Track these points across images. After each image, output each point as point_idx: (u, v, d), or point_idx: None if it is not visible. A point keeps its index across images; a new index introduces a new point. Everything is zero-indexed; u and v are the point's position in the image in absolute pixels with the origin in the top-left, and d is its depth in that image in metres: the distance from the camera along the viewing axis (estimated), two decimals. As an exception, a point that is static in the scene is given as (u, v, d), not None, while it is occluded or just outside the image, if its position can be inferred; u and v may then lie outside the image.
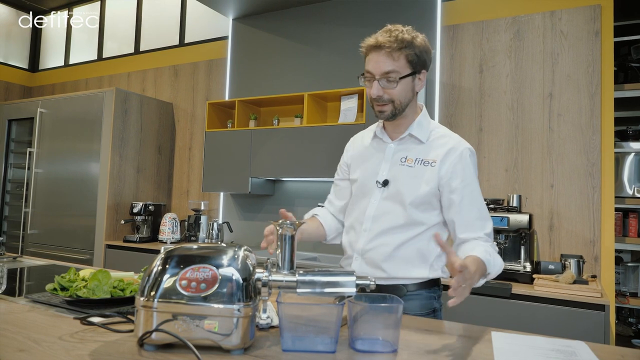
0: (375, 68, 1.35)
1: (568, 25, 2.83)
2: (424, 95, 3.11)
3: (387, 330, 1.00)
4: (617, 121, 2.99)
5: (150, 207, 3.77)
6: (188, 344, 0.85)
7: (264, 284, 0.97)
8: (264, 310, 0.98)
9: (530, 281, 2.46)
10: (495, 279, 2.47)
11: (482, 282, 1.28)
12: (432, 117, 3.20)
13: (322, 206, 1.69)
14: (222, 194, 3.91)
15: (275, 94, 3.44)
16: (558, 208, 2.80)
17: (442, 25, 3.17)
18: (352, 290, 0.97)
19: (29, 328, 1.03)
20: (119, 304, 1.20)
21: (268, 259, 1.02)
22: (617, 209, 3.02)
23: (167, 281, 0.92)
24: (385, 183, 1.42)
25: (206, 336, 0.91)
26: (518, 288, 2.32)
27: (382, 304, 1.01)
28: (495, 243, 1.41)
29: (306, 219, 1.57)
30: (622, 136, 3.26)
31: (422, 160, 1.40)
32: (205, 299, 0.91)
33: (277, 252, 1.01)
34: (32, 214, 4.14)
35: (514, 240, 2.65)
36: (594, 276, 2.55)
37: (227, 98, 3.86)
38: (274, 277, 0.98)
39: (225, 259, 0.95)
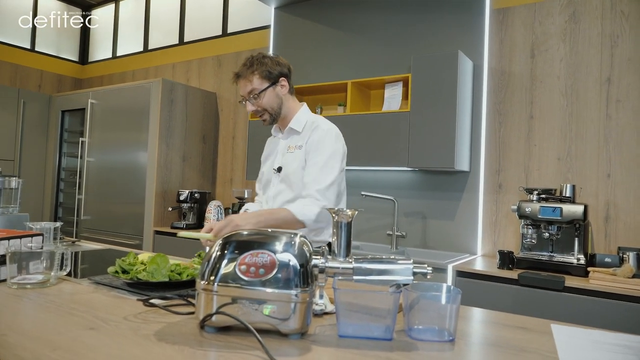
0: (242, 91, 1.77)
1: (629, 5, 2.67)
2: (472, 81, 3.02)
3: (444, 319, 0.98)
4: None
5: (195, 195, 3.86)
6: (249, 327, 0.86)
7: (321, 270, 0.97)
8: (321, 296, 0.98)
9: (585, 274, 2.37)
10: (550, 271, 2.41)
11: (304, 230, 1.66)
12: (480, 105, 3.13)
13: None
14: (264, 182, 3.95)
15: (318, 82, 3.43)
16: (615, 199, 2.67)
17: (491, 8, 3.06)
18: (409, 278, 0.95)
19: (95, 308, 1.08)
20: (177, 287, 1.24)
21: (323, 246, 1.02)
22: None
23: (226, 266, 0.94)
24: (279, 169, 1.82)
25: (265, 320, 0.92)
26: (571, 281, 2.23)
27: (440, 293, 1.00)
28: (323, 200, 1.68)
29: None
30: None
31: (298, 146, 1.80)
32: (264, 283, 0.92)
33: (333, 239, 1.01)
34: (85, 201, 4.32)
35: (567, 232, 2.55)
36: (653, 270, 2.42)
37: (270, 87, 3.88)
38: (331, 263, 0.98)
39: (282, 245, 0.96)
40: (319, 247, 1.03)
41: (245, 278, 0.93)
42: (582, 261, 2.45)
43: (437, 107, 2.84)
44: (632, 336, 1.09)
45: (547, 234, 2.50)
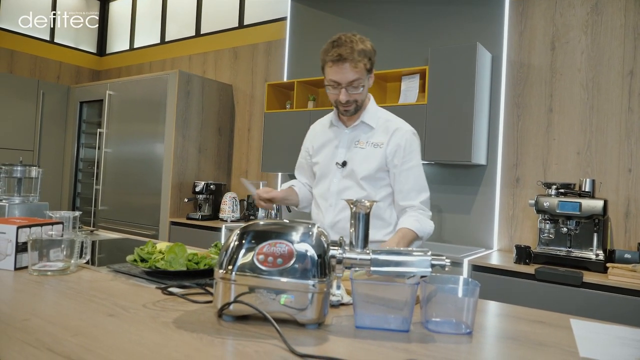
0: (342, 78, 1.55)
1: (655, -5, 2.59)
2: (490, 74, 2.98)
3: (462, 312, 0.97)
4: None
5: (211, 187, 3.89)
6: (267, 315, 0.87)
7: (339, 261, 0.97)
8: (338, 287, 0.98)
9: (603, 270, 2.33)
10: (568, 266, 2.38)
11: (418, 243, 1.63)
12: (498, 97, 3.08)
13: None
14: (280, 174, 3.96)
15: (333, 75, 3.41)
16: (636, 194, 2.62)
17: (511, 0, 3.01)
18: (427, 270, 0.95)
19: (114, 295, 1.10)
20: (194, 277, 1.25)
21: (340, 237, 1.02)
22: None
23: (244, 255, 0.94)
24: (344, 164, 1.68)
25: (282, 309, 0.93)
26: (590, 277, 2.20)
27: (458, 286, 0.99)
28: (428, 210, 1.67)
29: (284, 187, 1.90)
30: None
31: (372, 143, 1.67)
32: (282, 273, 0.93)
33: (351, 231, 1.00)
34: (102, 191, 4.39)
35: (585, 227, 2.51)
36: (674, 268, 2.38)
37: (285, 79, 3.88)
38: (348, 254, 0.97)
39: (300, 235, 0.96)
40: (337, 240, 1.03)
41: (263, 267, 0.93)
42: (601, 257, 2.41)
43: (455, 99, 2.81)
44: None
45: (565, 229, 2.47)
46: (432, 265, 0.95)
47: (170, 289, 1.10)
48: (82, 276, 1.28)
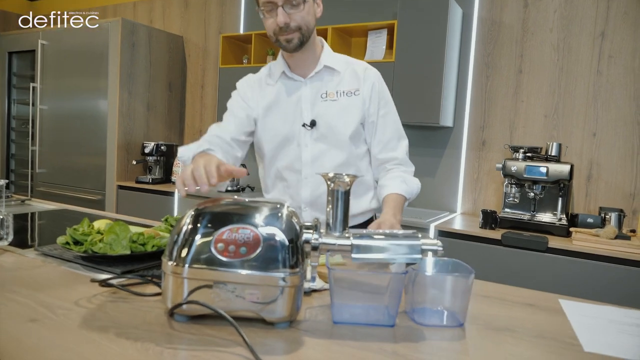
0: None
1: (631, -49, 2.50)
2: (460, 32, 2.83)
3: (453, 301, 0.86)
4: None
5: (162, 148, 3.61)
6: (230, 319, 0.71)
7: (314, 247, 0.81)
8: (313, 279, 0.83)
9: (567, 234, 2.33)
10: (532, 231, 2.35)
11: (405, 205, 1.39)
12: (467, 57, 2.96)
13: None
14: (236, 135, 3.73)
15: (294, 28, 3.15)
16: (599, 158, 2.61)
17: (484, -50, 2.83)
18: (417, 256, 0.81)
19: (40, 289, 0.90)
20: (140, 261, 1.07)
21: (315, 219, 0.87)
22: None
23: (199, 244, 0.77)
24: (313, 124, 1.37)
25: (247, 307, 0.78)
26: (554, 242, 2.18)
27: (450, 272, 0.87)
28: (410, 163, 1.46)
29: (193, 156, 1.28)
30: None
31: (344, 92, 1.39)
32: (246, 264, 0.77)
33: (328, 210, 0.85)
34: (40, 152, 4.00)
35: (550, 191, 2.49)
36: (632, 231, 2.41)
37: (242, 31, 3.58)
38: (325, 239, 0.82)
39: (267, 218, 0.79)
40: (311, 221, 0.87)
41: (223, 259, 0.77)
42: (564, 221, 2.41)
43: (424, 57, 2.66)
44: (645, 313, 1.00)
45: (532, 194, 2.43)
46: (423, 251, 0.82)
47: (111, 281, 0.92)
48: (3, 263, 1.07)
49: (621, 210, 2.39)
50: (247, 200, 0.84)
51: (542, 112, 2.73)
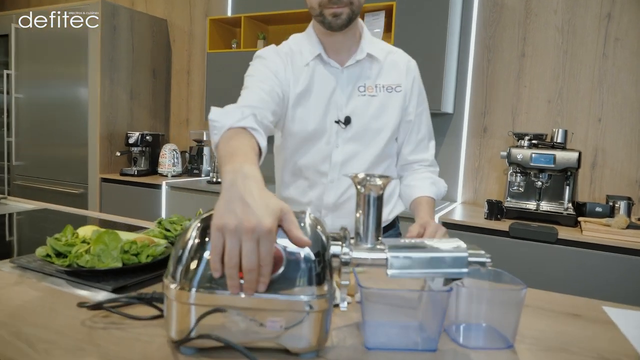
0: None
1: None
2: (460, 14, 2.71)
3: (503, 320, 0.75)
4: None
5: (147, 138, 3.44)
6: (247, 353, 0.59)
7: (344, 263, 0.69)
8: (343, 300, 0.71)
9: (574, 224, 2.25)
10: (539, 221, 2.27)
11: None
12: (468, 40, 2.83)
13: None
14: (225, 123, 3.56)
15: (286, 10, 2.99)
16: (604, 144, 2.53)
17: None
18: (463, 271, 0.70)
19: (17, 315, 0.77)
20: (133, 274, 0.93)
21: (343, 227, 0.74)
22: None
23: (209, 263, 0.64)
24: (348, 121, 1.19)
25: (267, 336, 0.65)
26: (565, 233, 2.10)
27: (498, 287, 0.75)
28: (436, 164, 1.34)
29: (228, 130, 0.90)
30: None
31: (384, 86, 1.22)
32: (267, 287, 0.64)
33: (358, 216, 0.73)
34: (17, 143, 3.79)
35: (556, 180, 2.40)
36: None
37: (230, 14, 3.40)
38: (357, 253, 0.70)
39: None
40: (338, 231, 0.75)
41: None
42: (571, 211, 2.33)
43: (424, 41, 2.53)
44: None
45: (539, 183, 2.34)
46: (470, 263, 0.70)
47: (100, 301, 0.78)
48: (-27, 279, 0.93)
49: (629, 198, 2.32)
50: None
51: (545, 97, 2.63)
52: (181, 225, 1.20)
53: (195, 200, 3.00)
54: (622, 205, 2.26)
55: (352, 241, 0.72)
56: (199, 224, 0.68)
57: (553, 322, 0.87)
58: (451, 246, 0.72)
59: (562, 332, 0.82)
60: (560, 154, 2.28)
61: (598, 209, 2.30)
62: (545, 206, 2.41)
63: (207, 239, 0.66)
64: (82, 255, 0.91)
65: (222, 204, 0.61)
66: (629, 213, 2.25)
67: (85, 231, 1.02)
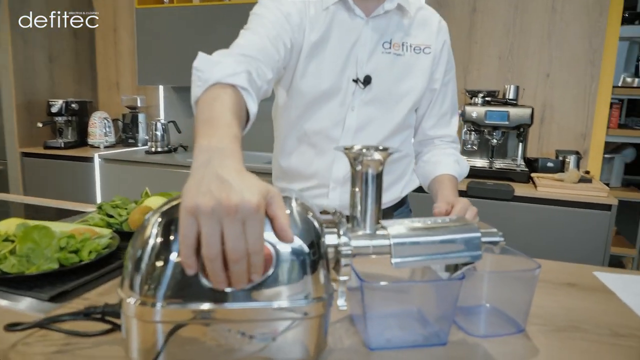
0: None
1: None
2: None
3: (515, 304, 0.67)
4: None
5: (72, 106, 3.08)
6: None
7: (345, 255, 0.57)
8: (341, 296, 0.60)
9: (527, 180, 2.28)
10: (493, 179, 2.27)
11: None
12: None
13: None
14: (161, 87, 3.28)
15: (223, -41, 2.72)
16: (552, 100, 2.56)
17: None
18: (477, 253, 0.60)
19: None
20: (75, 276, 0.77)
21: (336, 210, 0.62)
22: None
23: (178, 268, 0.50)
24: (367, 80, 1.03)
25: (256, 350, 0.53)
26: (520, 190, 2.11)
27: (514, 269, 0.67)
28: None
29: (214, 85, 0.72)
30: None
31: (411, 46, 1.06)
32: (254, 292, 0.52)
33: (357, 199, 0.61)
34: None
35: (508, 137, 2.41)
36: (587, 172, 2.41)
37: (159, -37, 3.05)
38: (356, 242, 0.59)
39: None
40: (330, 213, 0.63)
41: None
42: (524, 167, 2.35)
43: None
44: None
45: (494, 141, 2.33)
46: (482, 245, 0.61)
47: (36, 322, 0.62)
48: None
49: (577, 152, 2.37)
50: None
51: (496, 54, 2.60)
52: (126, 209, 1.03)
53: (134, 174, 2.75)
54: (572, 159, 2.31)
55: (348, 226, 0.61)
56: (159, 218, 0.53)
57: (553, 295, 0.81)
58: (460, 225, 0.62)
59: (567, 308, 0.76)
60: (513, 111, 2.27)
61: (550, 164, 2.33)
62: (498, 164, 2.42)
63: (172, 237, 0.51)
64: (6, 258, 0.73)
65: (193, 184, 0.48)
66: (578, 167, 2.31)
67: (8, 226, 0.83)
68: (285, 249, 0.52)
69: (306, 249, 0.54)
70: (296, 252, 0.53)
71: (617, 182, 2.87)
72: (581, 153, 2.47)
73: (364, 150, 0.59)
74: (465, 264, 0.62)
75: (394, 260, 0.59)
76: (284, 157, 1.14)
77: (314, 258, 0.54)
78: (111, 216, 0.99)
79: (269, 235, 0.51)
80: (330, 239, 0.58)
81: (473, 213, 0.88)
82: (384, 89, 1.06)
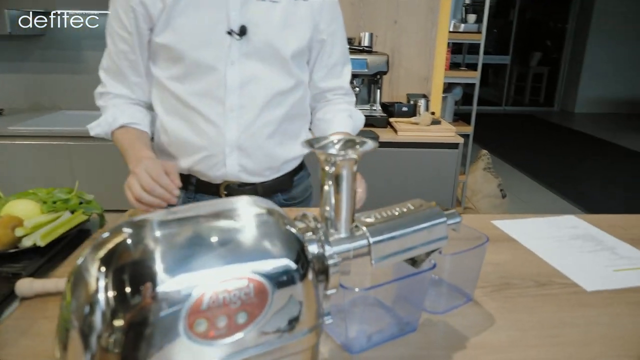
0: None
1: None
2: None
3: (466, 277, 0.70)
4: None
5: None
6: None
7: (332, 265, 0.51)
8: (328, 314, 0.53)
9: (386, 125, 2.42)
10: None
11: None
12: None
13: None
14: None
15: None
16: (400, 46, 2.70)
17: None
18: (444, 238, 0.60)
19: None
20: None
21: (312, 216, 0.55)
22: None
23: (150, 331, 0.39)
24: (243, 31, 0.97)
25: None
26: (384, 135, 2.24)
27: (470, 248, 0.69)
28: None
29: (114, 129, 1.01)
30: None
31: None
32: (245, 337, 0.43)
33: (327, 198, 0.54)
34: None
35: (366, 84, 2.50)
36: (433, 113, 2.65)
37: None
38: (337, 247, 0.52)
39: (259, 240, 0.45)
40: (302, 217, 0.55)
41: (210, 342, 0.41)
42: (382, 112, 2.48)
43: None
44: (558, 218, 1.05)
45: (357, 89, 2.39)
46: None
47: None
48: None
49: (424, 95, 2.58)
50: (198, 204, 0.46)
51: (349, 0, 2.62)
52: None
53: None
54: (422, 103, 2.50)
55: (318, 225, 0.54)
56: (104, 268, 0.40)
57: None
58: (425, 210, 0.60)
59: (492, 264, 0.83)
60: (371, 58, 2.34)
61: (404, 109, 2.50)
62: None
63: (139, 287, 0.39)
64: None
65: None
66: (427, 109, 2.52)
67: None
68: (281, 282, 0.44)
69: (298, 277, 0.46)
70: (292, 282, 0.45)
71: (450, 119, 3.25)
72: (427, 95, 2.71)
73: (338, 150, 0.52)
74: (432, 251, 0.61)
75: (374, 261, 0.55)
76: (166, 131, 1.03)
77: (306, 283, 0.47)
78: (44, 201, 0.74)
79: (273, 263, 0.43)
80: (312, 248, 0.51)
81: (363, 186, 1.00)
82: (263, 40, 0.99)
